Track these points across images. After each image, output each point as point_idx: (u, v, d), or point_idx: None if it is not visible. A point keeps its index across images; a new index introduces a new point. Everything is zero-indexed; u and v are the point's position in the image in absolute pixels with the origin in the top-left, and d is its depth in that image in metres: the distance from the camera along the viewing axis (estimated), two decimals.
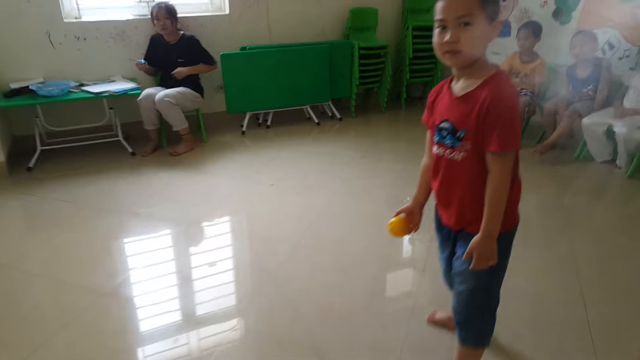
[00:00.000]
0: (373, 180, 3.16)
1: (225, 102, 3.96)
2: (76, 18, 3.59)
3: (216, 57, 3.78)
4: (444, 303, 1.73)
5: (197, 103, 3.73)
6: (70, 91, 3.34)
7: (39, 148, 3.37)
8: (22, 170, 3.29)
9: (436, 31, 1.19)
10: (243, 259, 2.34)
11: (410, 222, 1.44)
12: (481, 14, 1.14)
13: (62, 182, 3.13)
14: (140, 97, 3.44)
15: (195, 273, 2.21)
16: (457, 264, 1.35)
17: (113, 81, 3.64)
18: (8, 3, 3.29)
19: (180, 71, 3.57)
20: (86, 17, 3.63)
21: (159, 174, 3.28)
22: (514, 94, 1.20)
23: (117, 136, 3.58)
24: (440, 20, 1.17)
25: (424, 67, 4.68)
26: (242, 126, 4.08)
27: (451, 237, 1.40)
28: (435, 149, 1.31)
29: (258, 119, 4.32)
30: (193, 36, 3.68)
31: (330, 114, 4.49)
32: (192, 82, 3.68)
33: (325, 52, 4.15)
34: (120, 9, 3.73)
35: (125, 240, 2.49)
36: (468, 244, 1.26)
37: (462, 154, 1.23)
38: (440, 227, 1.44)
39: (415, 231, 1.46)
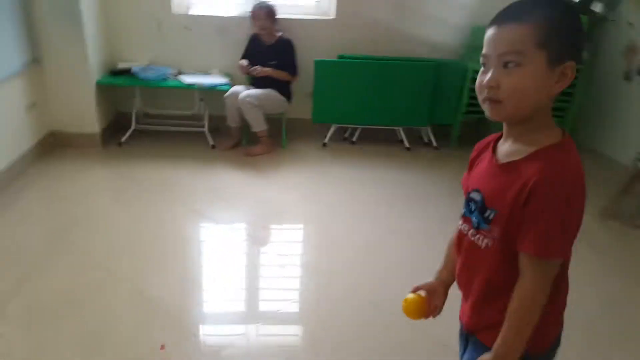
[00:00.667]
0: (449, 226, 2.67)
1: (312, 110, 3.84)
2: (186, 10, 3.76)
3: (311, 62, 3.68)
4: None
5: (281, 107, 3.67)
6: (166, 78, 3.51)
7: (133, 126, 3.61)
8: (114, 144, 3.54)
9: (481, 69, 0.90)
10: (266, 285, 2.21)
11: (430, 303, 1.10)
12: (538, 55, 0.81)
13: (144, 163, 3.31)
14: (227, 94, 3.49)
15: (215, 281, 2.18)
16: None
17: (209, 74, 3.74)
18: None
19: (261, 70, 3.51)
20: (194, 10, 3.78)
21: (229, 172, 3.30)
22: (576, 179, 0.84)
23: (204, 127, 3.68)
24: (483, 56, 0.87)
25: (556, 105, 3.99)
26: (327, 137, 3.93)
27: (463, 336, 1.07)
28: (460, 222, 1.01)
29: (345, 132, 4.12)
30: (290, 41, 3.62)
31: (426, 140, 4.10)
32: (281, 85, 3.62)
33: (430, 72, 3.79)
34: (227, 4, 3.81)
35: (167, 235, 2.51)
36: (474, 355, 0.96)
37: (487, 240, 0.92)
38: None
39: (435, 316, 1.11)
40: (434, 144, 4.03)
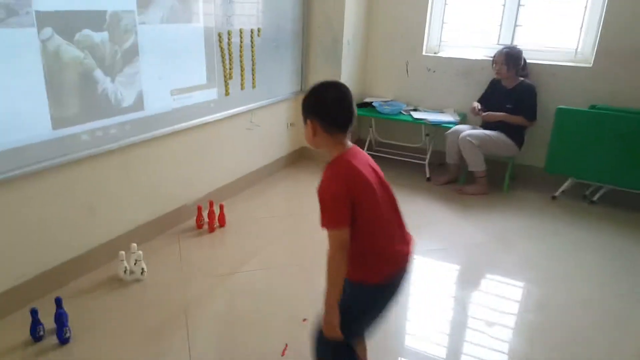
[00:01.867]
0: None
1: (546, 158, 3.55)
2: (435, 53, 4.07)
3: (553, 110, 3.44)
4: None
5: (508, 151, 3.54)
6: (400, 112, 3.90)
7: (365, 151, 4.13)
8: None
9: None
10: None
11: None
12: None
13: None
14: (449, 131, 3.61)
15: None
16: None
17: (442, 112, 3.94)
18: (387, 33, 4.12)
19: (491, 114, 3.49)
20: (442, 53, 4.05)
21: (437, 206, 3.37)
22: (328, 183, 1.34)
23: (424, 160, 3.89)
24: None
25: None
26: (558, 190, 3.55)
27: None
28: None
29: (585, 190, 3.61)
30: (531, 86, 3.48)
31: None
32: (512, 129, 3.51)
33: None
34: (476, 48, 3.94)
35: None
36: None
37: None
38: None
39: None
40: None
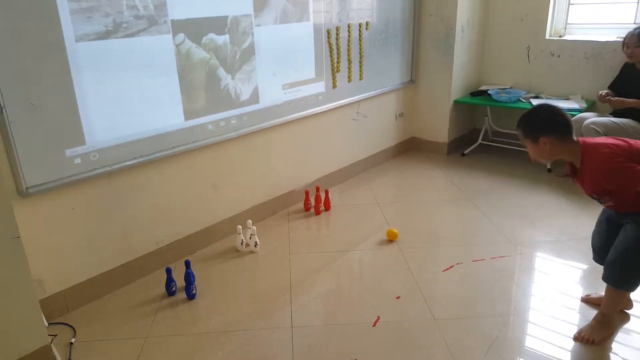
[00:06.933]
0: None
1: None
2: (560, 36, 3.78)
3: None
4: None
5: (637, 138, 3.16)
6: (519, 100, 3.71)
7: (479, 141, 4.02)
8: (458, 154, 4.06)
9: None
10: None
11: None
12: (527, 141, 1.80)
13: (476, 173, 3.66)
14: (572, 118, 3.34)
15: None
16: None
17: (568, 99, 3.66)
18: (506, 17, 3.93)
19: (620, 100, 3.15)
20: (569, 36, 3.74)
21: (551, 197, 3.20)
22: (608, 159, 1.69)
23: None
24: None
25: None
26: None
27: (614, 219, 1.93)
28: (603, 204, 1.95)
29: None
30: None
31: None
32: None
33: None
34: (607, 29, 3.58)
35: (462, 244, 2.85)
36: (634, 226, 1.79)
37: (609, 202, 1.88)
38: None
39: None
40: None
